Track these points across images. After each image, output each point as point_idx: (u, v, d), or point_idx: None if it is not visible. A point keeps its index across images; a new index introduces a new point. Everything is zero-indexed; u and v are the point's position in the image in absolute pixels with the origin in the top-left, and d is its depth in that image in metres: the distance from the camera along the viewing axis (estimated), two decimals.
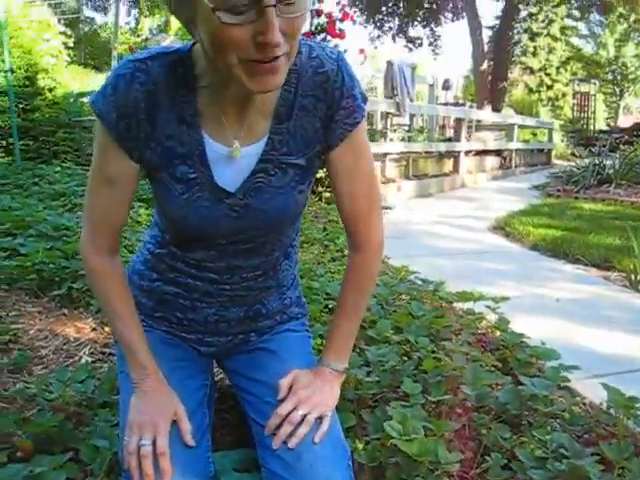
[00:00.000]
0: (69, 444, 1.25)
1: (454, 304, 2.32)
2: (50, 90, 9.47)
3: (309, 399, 1.00)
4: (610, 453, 1.21)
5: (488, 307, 2.12)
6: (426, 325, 1.93)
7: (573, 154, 13.51)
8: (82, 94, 9.97)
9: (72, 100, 9.59)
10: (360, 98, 0.96)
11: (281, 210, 0.97)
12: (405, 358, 1.70)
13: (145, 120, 0.89)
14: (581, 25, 28.08)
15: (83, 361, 1.85)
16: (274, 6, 0.70)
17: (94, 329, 2.11)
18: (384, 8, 17.49)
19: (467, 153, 8.82)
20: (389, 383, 1.57)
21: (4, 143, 8.78)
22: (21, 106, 8.71)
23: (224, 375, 1.45)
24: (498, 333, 2.07)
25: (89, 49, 26.07)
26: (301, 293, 1.27)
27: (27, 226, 3.30)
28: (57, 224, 3.26)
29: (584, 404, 1.71)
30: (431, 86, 9.61)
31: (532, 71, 28.38)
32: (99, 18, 28.95)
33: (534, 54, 27.97)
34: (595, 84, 20.77)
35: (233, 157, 0.92)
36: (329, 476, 0.91)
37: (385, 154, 6.60)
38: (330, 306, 2.04)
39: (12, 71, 8.20)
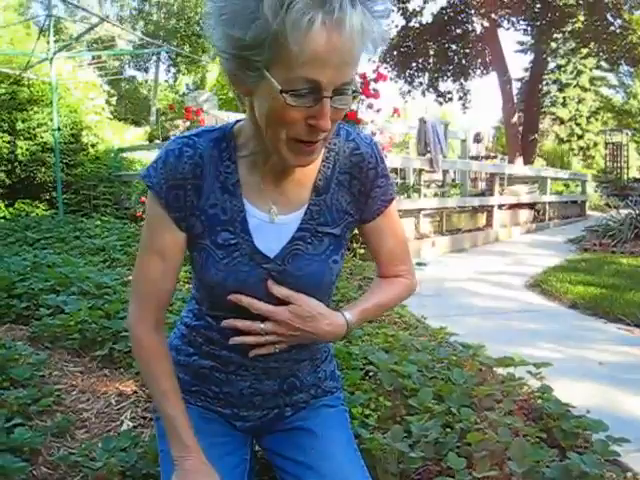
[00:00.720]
0: None
1: (494, 368, 2.28)
2: (93, 146, 9.91)
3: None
4: None
5: (529, 372, 2.08)
6: (467, 393, 1.90)
7: (607, 205, 13.33)
8: (122, 149, 10.40)
9: (112, 155, 9.97)
10: (390, 177, 1.09)
11: (316, 277, 1.02)
12: (448, 429, 1.67)
13: (192, 190, 0.97)
14: (610, 75, 28.16)
15: (125, 426, 1.87)
16: (330, 97, 0.81)
17: (135, 392, 2.13)
18: (414, 64, 17.91)
19: (500, 207, 8.80)
20: (432, 456, 1.54)
21: (48, 196, 9.16)
22: (65, 161, 9.11)
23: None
24: (540, 400, 2.01)
25: (129, 105, 27.27)
26: (335, 367, 1.27)
27: (70, 283, 3.39)
28: (99, 282, 3.35)
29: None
30: (463, 141, 9.71)
31: (562, 121, 28.43)
32: (140, 75, 30.34)
33: (564, 104, 28.07)
34: (627, 134, 20.64)
35: (272, 222, 1.00)
36: None
37: (419, 210, 6.63)
38: (370, 373, 2.02)
39: (59, 129, 8.62)
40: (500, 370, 2.26)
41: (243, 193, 0.99)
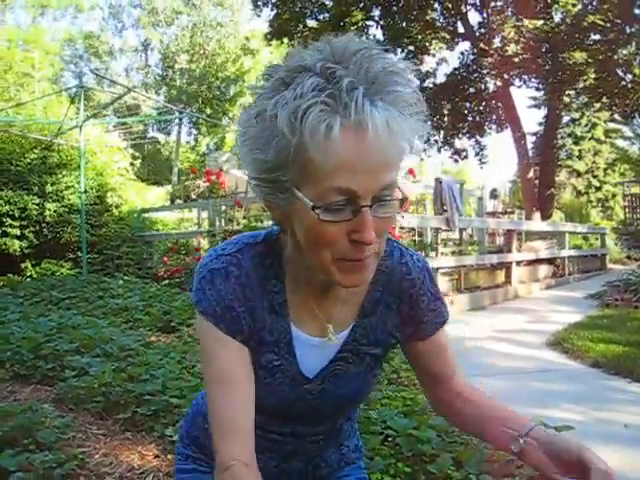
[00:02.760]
0: None
1: None
2: (117, 207, 10.22)
3: None
4: None
5: None
6: (487, 458, 1.89)
7: (628, 257, 13.20)
8: (145, 210, 10.70)
9: (135, 216, 10.26)
10: (443, 299, 1.03)
11: (355, 392, 1.02)
12: None
13: (246, 312, 0.91)
14: (625, 128, 28.35)
15: None
16: (370, 207, 0.74)
17: (157, 456, 2.16)
18: (429, 122, 18.28)
19: (519, 263, 8.78)
20: None
21: (73, 256, 9.41)
22: (90, 222, 9.40)
23: None
24: None
25: (152, 166, 28.11)
26: (359, 439, 1.27)
27: (94, 345, 3.48)
28: (122, 344, 3.43)
29: None
30: (480, 199, 9.81)
31: (579, 174, 28.46)
32: (162, 137, 31.41)
33: (580, 157, 28.14)
34: None
35: (328, 342, 0.96)
36: None
37: (437, 269, 6.65)
38: (390, 438, 2.03)
39: (86, 191, 8.95)
40: None
41: (289, 313, 0.94)
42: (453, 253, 8.15)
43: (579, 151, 28.05)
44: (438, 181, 7.07)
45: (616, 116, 20.54)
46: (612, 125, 27.24)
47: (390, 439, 2.04)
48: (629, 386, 3.50)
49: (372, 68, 0.73)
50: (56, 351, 3.35)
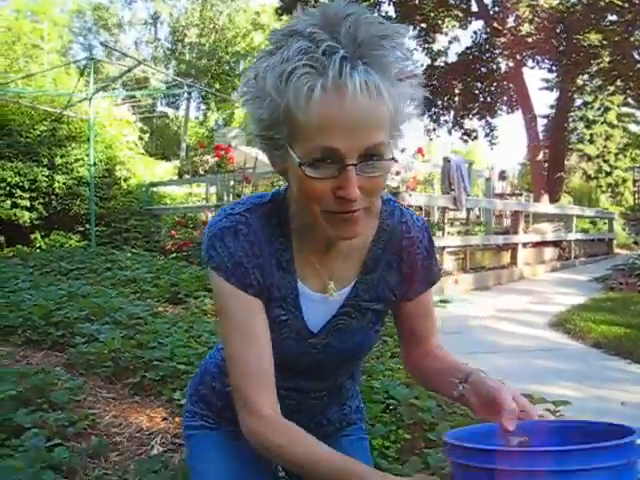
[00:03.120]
0: None
1: None
2: (125, 180, 10.27)
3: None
4: None
5: (548, 410, 2.11)
6: None
7: (636, 242, 13.16)
8: (153, 184, 10.74)
9: (144, 189, 10.31)
10: (437, 259, 1.09)
11: (357, 347, 1.06)
12: None
13: (256, 268, 0.95)
14: (638, 112, 27.99)
15: (155, 450, 1.96)
16: (354, 165, 0.78)
17: (165, 419, 2.23)
18: (440, 102, 18.16)
19: (525, 245, 8.79)
20: None
21: (82, 228, 9.50)
22: (99, 195, 9.47)
23: None
24: None
25: (160, 140, 28.08)
26: (360, 401, 1.32)
27: (103, 313, 3.55)
28: (131, 313, 3.49)
29: None
30: (488, 180, 9.79)
31: (589, 158, 28.19)
32: (171, 112, 31.27)
33: (591, 141, 27.84)
34: None
35: (329, 298, 1.00)
36: None
37: (442, 247, 6.70)
38: (391, 407, 2.09)
39: (95, 164, 8.99)
40: None
41: (296, 269, 0.98)
42: (459, 233, 8.17)
43: (590, 135, 27.73)
44: (446, 160, 7.06)
45: (630, 100, 20.30)
46: (625, 109, 26.89)
47: (392, 407, 2.10)
48: (629, 367, 3.55)
49: (359, 32, 0.75)
50: (66, 318, 3.43)
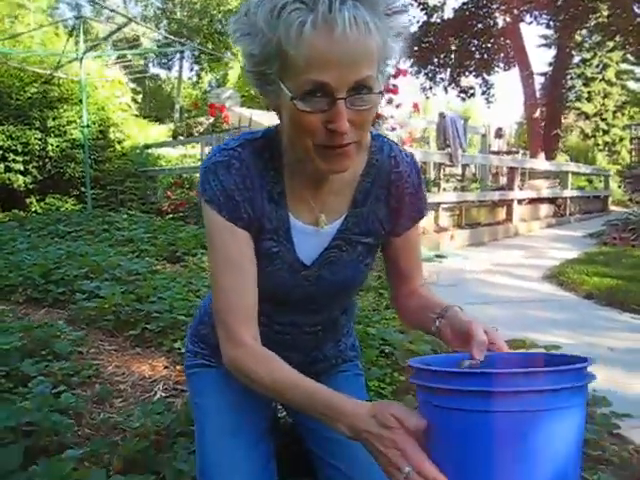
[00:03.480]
0: (152, 467, 1.41)
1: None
2: (119, 142, 10.18)
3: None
4: None
5: None
6: None
7: (631, 200, 13.19)
8: (148, 146, 10.65)
9: (138, 151, 10.23)
10: (425, 195, 1.11)
11: (349, 280, 1.10)
12: None
13: (247, 202, 0.99)
14: (638, 69, 27.63)
15: (158, 396, 2.02)
16: (344, 99, 0.81)
17: (166, 367, 2.29)
18: (436, 59, 17.90)
19: (520, 201, 8.82)
20: None
21: (77, 192, 9.46)
22: (93, 157, 9.39)
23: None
24: None
25: (153, 102, 27.68)
26: (356, 339, 1.37)
27: (103, 271, 3.59)
28: (129, 269, 3.53)
29: (637, 451, 1.73)
30: (484, 136, 9.74)
31: (587, 116, 27.96)
32: (163, 73, 30.76)
33: (589, 99, 27.57)
34: None
35: (320, 229, 1.03)
36: None
37: (438, 203, 6.72)
38: (386, 351, 2.15)
39: (88, 126, 8.88)
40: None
41: (288, 202, 1.01)
42: (455, 189, 8.18)
43: (588, 93, 27.43)
44: (442, 116, 7.01)
45: (629, 56, 20.01)
46: (624, 66, 26.54)
47: (387, 352, 2.16)
48: (620, 316, 3.62)
49: None
50: (66, 276, 3.46)
